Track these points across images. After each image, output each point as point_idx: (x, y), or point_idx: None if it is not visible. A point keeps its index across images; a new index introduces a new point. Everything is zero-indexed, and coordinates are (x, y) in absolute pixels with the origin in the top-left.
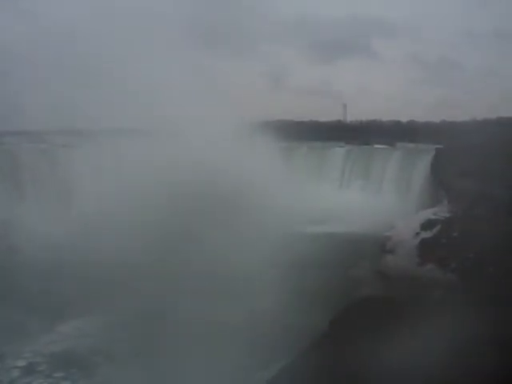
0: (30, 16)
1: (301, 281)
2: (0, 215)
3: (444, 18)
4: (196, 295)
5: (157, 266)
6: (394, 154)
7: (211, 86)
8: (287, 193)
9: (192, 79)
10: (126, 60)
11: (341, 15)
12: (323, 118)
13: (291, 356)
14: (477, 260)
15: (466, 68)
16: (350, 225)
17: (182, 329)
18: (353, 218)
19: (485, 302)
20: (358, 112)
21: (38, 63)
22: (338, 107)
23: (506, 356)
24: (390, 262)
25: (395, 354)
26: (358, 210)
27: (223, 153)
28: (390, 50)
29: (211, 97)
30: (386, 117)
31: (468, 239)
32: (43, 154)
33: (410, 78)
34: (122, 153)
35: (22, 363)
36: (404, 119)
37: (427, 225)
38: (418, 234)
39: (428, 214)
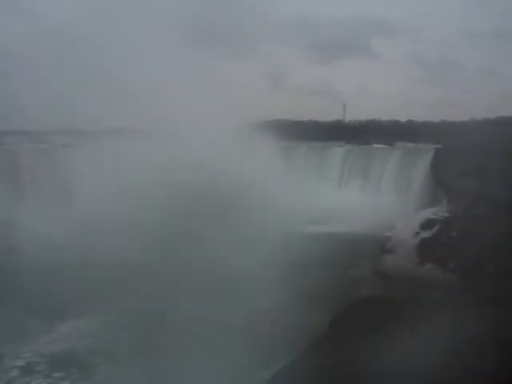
0: (30, 16)
1: (301, 281)
2: (0, 215)
3: (444, 17)
4: (196, 295)
5: (157, 266)
6: (394, 153)
7: (211, 86)
8: (287, 193)
9: (192, 79)
10: (126, 60)
11: (341, 15)
12: (323, 118)
13: (291, 356)
14: (477, 260)
15: (465, 68)
16: (350, 225)
17: (182, 329)
18: (352, 218)
19: (485, 302)
20: (358, 112)
21: (37, 63)
22: (337, 107)
23: (506, 356)
24: (390, 261)
25: (395, 354)
26: (358, 209)
27: (223, 153)
28: (390, 49)
29: (211, 97)
30: (386, 117)
31: (468, 239)
32: (43, 154)
33: (409, 78)
34: (121, 153)
35: (21, 363)
36: (403, 119)
37: (427, 225)
38: (417, 233)
39: (427, 213)
